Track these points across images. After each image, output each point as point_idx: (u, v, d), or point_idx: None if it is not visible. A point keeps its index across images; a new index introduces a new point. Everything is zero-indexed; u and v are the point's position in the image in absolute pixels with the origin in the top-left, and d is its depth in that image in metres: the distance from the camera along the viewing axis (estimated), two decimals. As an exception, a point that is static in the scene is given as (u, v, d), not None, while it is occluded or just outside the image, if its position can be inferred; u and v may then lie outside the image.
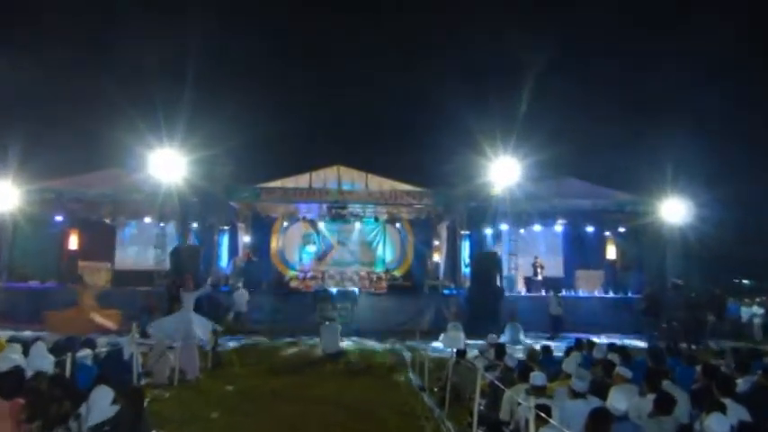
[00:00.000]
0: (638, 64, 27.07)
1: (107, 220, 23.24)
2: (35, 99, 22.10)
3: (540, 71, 26.88)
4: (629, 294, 20.86)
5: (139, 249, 23.86)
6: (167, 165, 18.86)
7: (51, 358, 7.01)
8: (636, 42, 27.31)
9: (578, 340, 10.10)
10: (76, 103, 23.08)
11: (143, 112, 21.09)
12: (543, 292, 20.59)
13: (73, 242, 23.34)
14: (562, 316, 18.36)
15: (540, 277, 21.89)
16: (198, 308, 11.60)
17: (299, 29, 30.02)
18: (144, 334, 11.11)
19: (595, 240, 23.65)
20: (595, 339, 11.73)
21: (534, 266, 22.20)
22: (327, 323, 14.66)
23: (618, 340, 15.04)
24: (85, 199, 20.56)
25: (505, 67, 26.05)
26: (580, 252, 23.66)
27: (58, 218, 22.35)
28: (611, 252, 23.82)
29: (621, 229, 22.77)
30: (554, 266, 23.46)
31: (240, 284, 19.65)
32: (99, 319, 16.70)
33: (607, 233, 23.60)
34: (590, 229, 22.91)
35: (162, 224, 20.95)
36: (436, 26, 30.26)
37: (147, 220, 22.64)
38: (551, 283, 21.20)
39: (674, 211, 19.83)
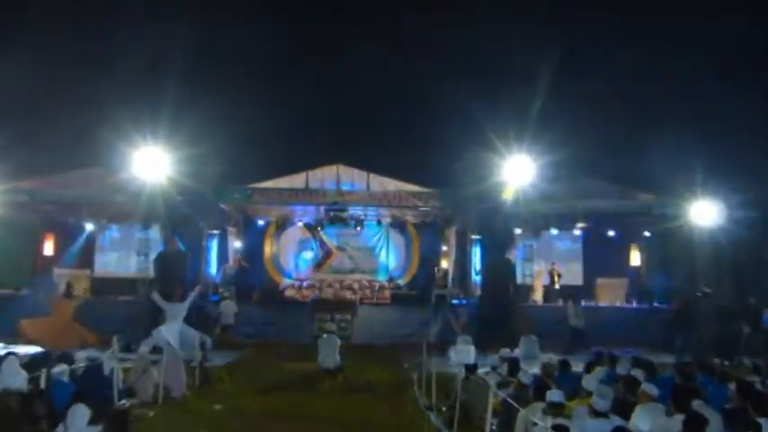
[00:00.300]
0: (664, 54, 26.97)
1: (86, 224, 23.25)
2: (5, 92, 22.10)
3: (556, 62, 26.84)
4: (655, 304, 20.80)
5: (121, 255, 23.88)
6: (152, 163, 18.86)
7: (24, 374, 7.01)
8: (663, 33, 27.23)
9: (599, 354, 10.06)
10: (52, 97, 23.09)
11: (125, 106, 21.08)
12: (560, 302, 20.56)
13: (48, 247, 23.37)
14: (583, 328, 18.31)
15: (557, 285, 21.86)
16: (186, 319, 11.63)
17: (293, 17, 30.00)
18: (126, 348, 11.13)
19: (618, 246, 23.60)
20: (618, 353, 11.68)
21: (551, 274, 22.18)
22: (325, 336, 14.64)
23: (643, 354, 14.97)
24: (62, 200, 20.57)
25: (519, 59, 25.99)
26: (601, 258, 23.59)
27: (32, 221, 22.35)
28: (635, 258, 23.78)
29: (647, 234, 22.73)
30: (572, 274, 23.41)
31: (228, 294, 19.66)
32: (79, 328, 16.70)
33: (631, 238, 23.55)
34: (612, 233, 22.87)
35: (146, 228, 20.96)
36: (445, 14, 30.20)
37: (130, 223, 22.65)
38: (569, 292, 21.16)
39: (705, 213, 19.74)
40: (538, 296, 22.06)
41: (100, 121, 21.41)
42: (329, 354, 13.77)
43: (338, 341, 14.10)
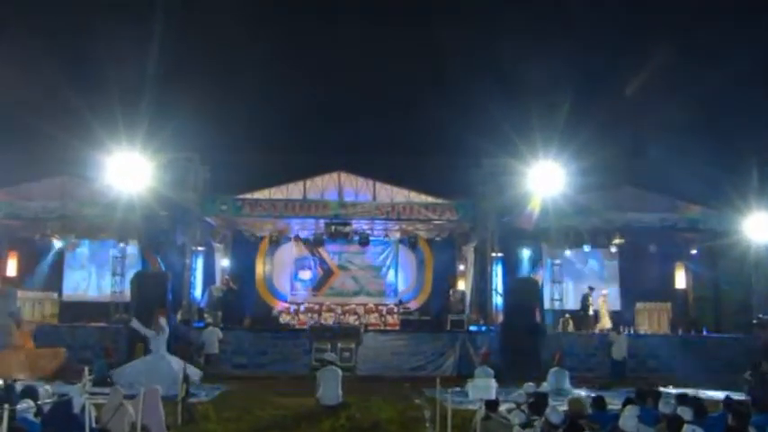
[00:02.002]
0: (709, 52, 27.04)
1: (53, 240, 23.35)
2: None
3: (587, 58, 26.96)
4: (705, 333, 20.72)
5: (93, 275, 23.99)
6: (128, 171, 18.98)
7: (-13, 412, 7.04)
8: (711, 29, 27.30)
9: (639, 390, 10.03)
10: (14, 99, 23.23)
11: (98, 106, 21.22)
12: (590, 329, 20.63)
13: (11, 267, 23.47)
14: (625, 360, 18.30)
15: (591, 311, 21.83)
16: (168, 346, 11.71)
17: (290, 10, 30.21)
18: (100, 381, 11.17)
19: (660, 265, 23.56)
20: (661, 389, 11.66)
21: (585, 297, 22.21)
22: (326, 368, 14.65)
23: (690, 390, 14.93)
24: (26, 214, 20.68)
25: (546, 54, 26.06)
26: (641, 279, 23.57)
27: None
28: (680, 280, 23.72)
29: (694, 251, 22.67)
30: (608, 297, 23.34)
31: (211, 320, 19.69)
32: (42, 360, 16.75)
33: (675, 256, 23.51)
34: (653, 250, 22.83)
35: (121, 244, 21.07)
36: (462, 10, 30.36)
37: (103, 239, 22.76)
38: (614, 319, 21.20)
39: (762, 227, 19.72)
40: (606, 323, 21.92)
41: (69, 124, 21.53)
42: (330, 388, 13.78)
43: (340, 373, 14.12)
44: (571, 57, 26.78)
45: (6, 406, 7.28)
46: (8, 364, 15.95)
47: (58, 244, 23.55)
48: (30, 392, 8.55)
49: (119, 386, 10.82)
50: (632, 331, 21.11)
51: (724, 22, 26.95)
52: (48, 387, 10.26)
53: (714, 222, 20.41)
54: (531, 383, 11.16)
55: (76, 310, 21.97)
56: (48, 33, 26.85)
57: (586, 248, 22.65)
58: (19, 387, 9.23)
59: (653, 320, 22.10)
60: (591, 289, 22.33)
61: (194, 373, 13.24)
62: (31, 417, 7.84)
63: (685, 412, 7.78)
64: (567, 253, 22.15)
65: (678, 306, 23.07)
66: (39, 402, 8.44)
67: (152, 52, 23.60)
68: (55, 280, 24.10)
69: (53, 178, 21.09)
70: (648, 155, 23.60)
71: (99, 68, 25.35)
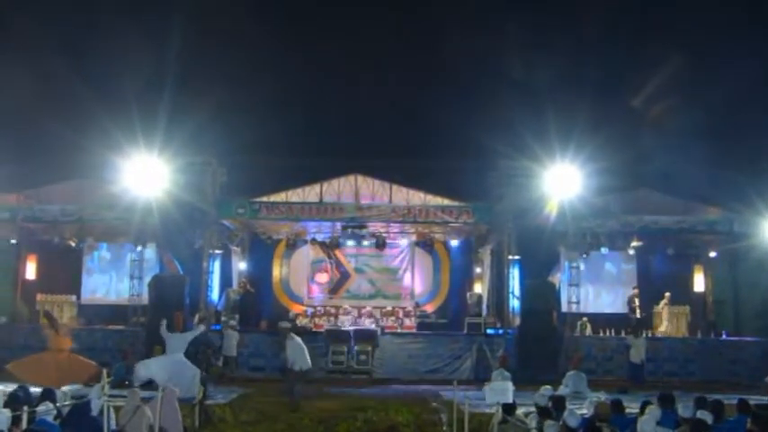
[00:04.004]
0: (729, 51, 26.85)
1: (71, 244, 23.50)
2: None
3: (604, 59, 26.82)
4: (724, 336, 20.54)
5: (111, 279, 24.12)
6: (146, 175, 19.08)
7: (7, 414, 7.09)
8: (730, 29, 27.11)
9: (662, 394, 9.96)
10: (34, 104, 23.42)
11: (116, 110, 21.38)
12: (608, 333, 20.52)
13: (30, 270, 23.61)
14: (643, 363, 18.20)
15: (638, 314, 21.79)
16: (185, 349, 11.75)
17: (304, 11, 30.30)
18: (118, 384, 11.22)
19: (679, 268, 23.38)
20: (680, 392, 11.58)
21: (631, 300, 22.24)
22: (290, 337, 14.77)
23: (709, 394, 14.81)
24: (45, 218, 20.84)
25: (562, 55, 25.99)
26: (659, 282, 23.39)
27: (12, 241, 22.66)
28: (698, 283, 23.51)
29: (712, 254, 22.50)
30: (626, 300, 23.20)
31: (230, 322, 19.75)
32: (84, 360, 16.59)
33: (694, 259, 23.33)
34: (672, 253, 22.67)
35: (139, 248, 21.15)
36: (479, 8, 30.33)
37: (121, 242, 22.88)
38: (618, 322, 21.06)
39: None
40: (664, 328, 21.82)
41: (87, 129, 21.70)
42: (299, 355, 13.91)
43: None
44: (588, 58, 26.70)
45: (26, 408, 7.34)
46: (46, 368, 15.72)
47: (76, 247, 23.73)
48: (48, 395, 8.60)
49: (138, 377, 10.90)
50: (650, 334, 20.98)
51: (743, 23, 26.78)
52: (66, 389, 10.34)
53: (733, 225, 20.23)
54: (546, 387, 11.09)
55: (95, 313, 22.05)
56: (66, 38, 27.08)
57: (604, 251, 22.52)
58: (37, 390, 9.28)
59: (671, 323, 21.93)
60: (636, 290, 22.23)
61: (209, 374, 13.33)
62: (50, 419, 7.89)
63: (706, 416, 7.72)
64: (585, 256, 22.03)
65: (696, 309, 22.86)
66: (58, 405, 8.50)
67: (170, 56, 23.77)
68: (74, 283, 24.24)
69: (71, 182, 21.24)
70: (666, 156, 23.41)
71: (117, 72, 25.53)
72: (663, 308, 22.02)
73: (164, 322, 14.84)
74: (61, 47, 26.40)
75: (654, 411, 8.42)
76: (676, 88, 25.68)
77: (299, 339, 14.76)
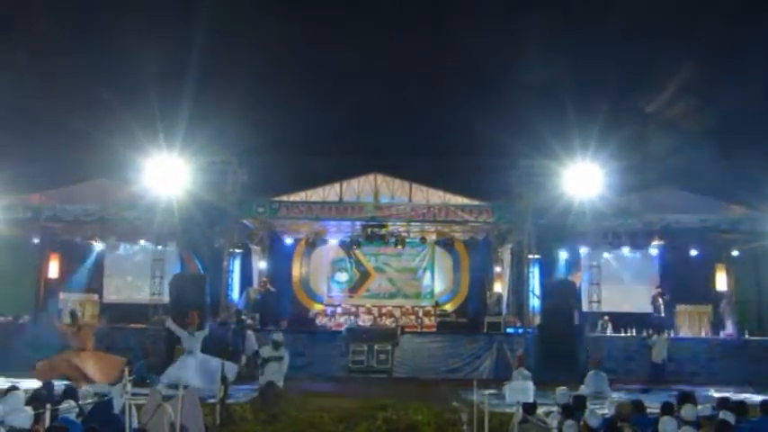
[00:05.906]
0: (753, 49, 26.58)
1: (93, 243, 23.71)
2: (3, 99, 22.72)
3: (626, 57, 26.63)
4: (747, 336, 20.36)
5: (132, 278, 24.30)
6: (167, 174, 19.21)
7: (29, 412, 7.14)
8: (753, 26, 26.84)
9: (682, 393, 9.89)
10: (56, 103, 23.62)
11: (137, 110, 21.52)
12: (629, 332, 20.41)
13: (53, 269, 23.83)
14: (665, 363, 18.08)
15: (662, 313, 21.63)
16: (205, 349, 11.79)
17: (326, 13, 30.34)
18: (140, 382, 11.30)
19: (701, 267, 23.19)
20: (702, 392, 11.48)
21: (655, 299, 22.10)
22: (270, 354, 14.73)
23: (732, 394, 14.69)
24: (68, 217, 21.00)
25: (583, 53, 25.86)
26: (682, 282, 23.20)
27: (35, 240, 22.89)
28: (721, 282, 23.30)
29: (735, 253, 22.30)
30: (647, 299, 23.05)
31: (251, 322, 19.80)
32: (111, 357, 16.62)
33: (716, 258, 23.13)
34: (694, 252, 22.51)
35: (160, 247, 21.28)
36: (498, 7, 30.27)
37: (142, 242, 23.06)
38: (639, 321, 20.93)
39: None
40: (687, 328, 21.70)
41: (109, 128, 21.86)
42: (277, 371, 13.89)
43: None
44: (610, 56, 26.53)
45: (48, 406, 7.41)
46: (68, 367, 15.76)
47: (98, 246, 23.94)
48: (71, 393, 8.67)
49: (165, 385, 10.95)
50: (672, 334, 20.83)
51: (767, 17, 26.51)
52: (88, 387, 10.43)
53: (757, 223, 20.02)
54: (562, 388, 11.03)
55: (116, 312, 22.18)
56: (88, 38, 27.32)
57: (625, 250, 22.38)
58: (60, 387, 9.37)
59: (693, 323, 21.75)
60: (659, 289, 22.11)
61: (231, 369, 13.36)
62: (72, 417, 7.94)
63: (728, 416, 7.67)
64: (606, 255, 21.90)
65: (719, 309, 22.66)
66: (80, 402, 8.56)
67: (191, 56, 23.86)
68: (96, 282, 24.44)
69: (93, 181, 21.38)
70: (688, 154, 23.24)
71: (138, 72, 25.67)
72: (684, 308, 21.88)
73: (168, 318, 14.88)
74: (83, 47, 26.62)
75: (675, 412, 8.36)
76: (698, 85, 25.46)
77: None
